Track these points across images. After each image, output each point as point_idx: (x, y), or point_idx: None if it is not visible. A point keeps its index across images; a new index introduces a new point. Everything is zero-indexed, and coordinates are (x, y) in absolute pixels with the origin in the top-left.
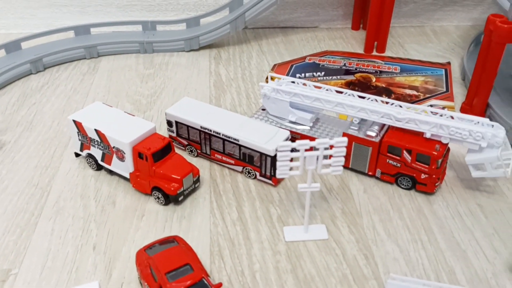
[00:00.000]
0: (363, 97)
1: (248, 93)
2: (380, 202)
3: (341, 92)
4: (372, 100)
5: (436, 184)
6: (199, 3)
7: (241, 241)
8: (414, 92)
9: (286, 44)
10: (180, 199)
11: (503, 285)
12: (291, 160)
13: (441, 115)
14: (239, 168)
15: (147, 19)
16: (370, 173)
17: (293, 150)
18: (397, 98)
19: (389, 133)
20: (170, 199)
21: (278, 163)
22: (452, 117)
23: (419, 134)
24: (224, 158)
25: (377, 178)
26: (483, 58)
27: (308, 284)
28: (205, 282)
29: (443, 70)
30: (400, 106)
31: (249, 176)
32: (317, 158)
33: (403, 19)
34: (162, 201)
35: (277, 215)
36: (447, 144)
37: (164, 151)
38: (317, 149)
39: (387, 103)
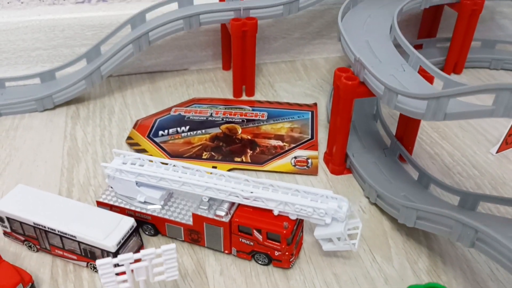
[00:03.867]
0: (211, 173)
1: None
2: (236, 284)
3: (189, 168)
4: (219, 176)
5: (291, 260)
6: (54, 54)
7: None
8: (280, 143)
9: (153, 92)
10: None
11: None
12: (119, 273)
13: (288, 190)
14: (84, 264)
15: None
16: (226, 252)
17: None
18: (262, 152)
19: (238, 211)
20: None
21: (102, 281)
22: (298, 191)
23: (269, 211)
24: (66, 254)
25: (234, 255)
26: (335, 112)
27: None
28: None
29: (310, 112)
30: (247, 181)
31: (96, 271)
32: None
33: (274, 55)
34: None
35: None
36: (296, 220)
37: None
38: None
39: (234, 178)
